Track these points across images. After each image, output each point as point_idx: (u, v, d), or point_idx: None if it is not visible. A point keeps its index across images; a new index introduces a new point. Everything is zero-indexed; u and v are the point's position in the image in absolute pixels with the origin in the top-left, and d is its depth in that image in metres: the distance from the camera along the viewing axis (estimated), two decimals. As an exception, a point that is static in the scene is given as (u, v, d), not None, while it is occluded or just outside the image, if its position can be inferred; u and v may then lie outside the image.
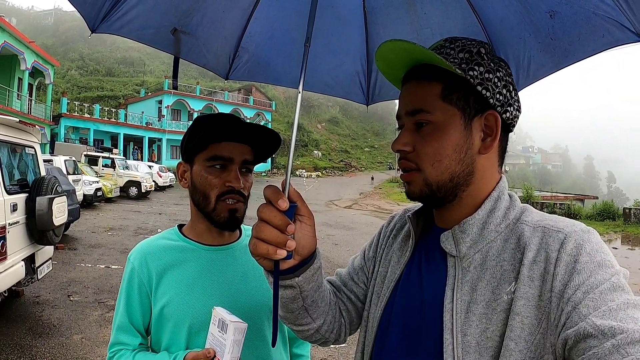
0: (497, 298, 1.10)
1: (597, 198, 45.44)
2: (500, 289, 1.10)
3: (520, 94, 1.35)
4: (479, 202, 1.24)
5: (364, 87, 2.52)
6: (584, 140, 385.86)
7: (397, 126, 1.33)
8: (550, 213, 1.23)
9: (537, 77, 1.86)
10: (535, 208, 1.27)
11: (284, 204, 1.11)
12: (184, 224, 2.04)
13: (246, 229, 2.06)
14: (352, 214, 30.89)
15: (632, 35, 1.49)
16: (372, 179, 50.48)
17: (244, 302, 1.82)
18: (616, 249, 19.00)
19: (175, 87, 2.12)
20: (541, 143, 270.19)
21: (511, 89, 1.25)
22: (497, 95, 1.22)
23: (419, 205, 1.45)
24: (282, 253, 1.11)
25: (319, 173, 74.23)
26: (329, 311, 1.44)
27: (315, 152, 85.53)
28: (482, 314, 1.10)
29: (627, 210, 27.47)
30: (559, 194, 48.65)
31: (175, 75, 2.35)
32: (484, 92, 1.20)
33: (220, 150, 1.80)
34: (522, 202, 1.27)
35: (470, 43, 1.25)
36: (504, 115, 1.23)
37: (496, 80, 1.22)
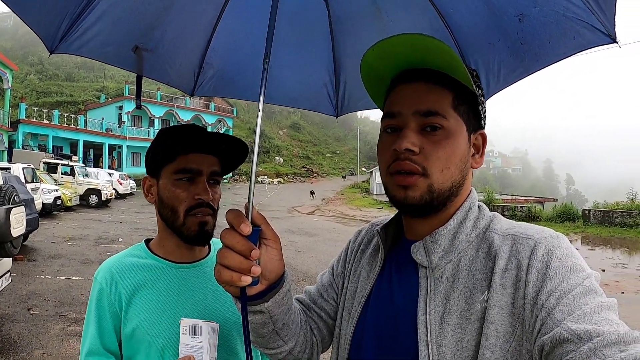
0: (471, 307, 1.10)
1: (556, 200, 46.56)
2: (474, 298, 1.10)
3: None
4: (450, 213, 1.24)
5: (332, 98, 2.49)
6: (543, 144, 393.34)
7: (388, 125, 1.26)
8: (511, 216, 1.27)
9: (507, 82, 1.86)
10: (497, 211, 1.31)
11: (246, 229, 1.09)
12: (151, 239, 1.97)
13: (215, 242, 2.00)
14: (314, 220, 31.07)
15: (604, 37, 1.50)
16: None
17: (216, 321, 1.77)
18: (577, 249, 19.36)
19: (138, 107, 2.09)
20: (501, 147, 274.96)
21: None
22: (485, 118, 1.28)
23: (386, 218, 1.45)
24: (247, 280, 1.08)
25: (281, 179, 74.55)
26: (300, 332, 1.42)
27: (277, 158, 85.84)
28: (457, 324, 1.10)
29: (586, 212, 28.51)
30: (519, 197, 49.68)
31: (138, 94, 2.30)
32: (482, 111, 1.26)
33: (189, 162, 1.76)
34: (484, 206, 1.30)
35: (468, 66, 1.26)
36: None
37: (485, 104, 1.28)
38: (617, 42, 1.48)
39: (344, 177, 68.17)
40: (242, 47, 2.34)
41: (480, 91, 1.27)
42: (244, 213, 1.14)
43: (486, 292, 1.09)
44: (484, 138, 1.28)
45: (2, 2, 1.57)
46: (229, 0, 2.12)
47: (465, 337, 1.08)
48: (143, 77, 2.22)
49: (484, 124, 1.29)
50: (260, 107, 1.32)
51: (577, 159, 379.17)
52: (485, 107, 1.29)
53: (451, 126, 1.19)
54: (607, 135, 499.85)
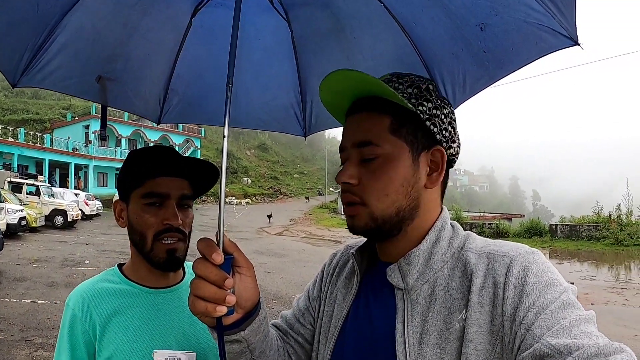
0: (449, 327, 1.10)
1: (523, 216, 47.45)
2: (452, 318, 1.10)
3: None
4: (422, 234, 1.24)
5: (300, 118, 2.49)
6: (509, 161, 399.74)
7: (340, 159, 1.30)
8: (479, 233, 1.27)
9: (473, 92, 1.88)
10: (465, 229, 1.29)
11: (218, 258, 1.07)
12: (124, 264, 1.91)
13: (189, 266, 1.94)
14: (283, 240, 31.01)
15: (566, 40, 1.51)
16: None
17: (193, 348, 1.72)
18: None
19: (103, 138, 2.06)
20: (468, 165, 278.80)
21: (455, 126, 1.30)
22: (443, 132, 1.25)
23: (361, 241, 1.44)
24: (222, 310, 1.06)
25: (249, 200, 74.16)
26: (278, 358, 1.40)
27: (245, 179, 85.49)
28: (436, 345, 1.10)
29: (553, 227, 29.17)
30: (486, 214, 50.40)
31: (103, 125, 2.28)
32: (432, 127, 1.23)
33: (156, 186, 1.72)
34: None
35: (418, 79, 1.27)
36: (448, 152, 1.26)
37: (443, 117, 1.25)
38: (579, 44, 1.50)
39: (307, 198, 68.01)
40: (207, 73, 2.33)
41: (429, 105, 1.23)
42: (215, 241, 1.13)
43: (464, 311, 1.09)
44: (442, 154, 1.25)
45: None
46: (190, 27, 2.12)
47: (444, 357, 1.08)
48: (108, 107, 2.21)
49: (443, 138, 1.25)
50: (226, 133, 1.29)
51: (543, 175, 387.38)
52: (438, 122, 1.24)
53: (386, 153, 1.20)
54: (572, 150, 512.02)
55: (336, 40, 2.04)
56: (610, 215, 28.08)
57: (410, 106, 1.19)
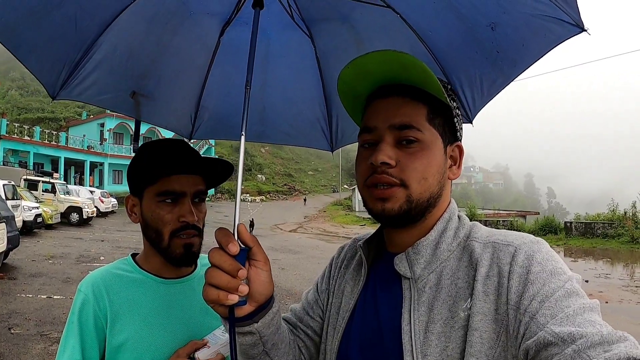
0: (455, 316, 1.11)
1: (538, 213, 46.94)
2: (457, 307, 1.12)
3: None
4: (431, 224, 1.26)
5: (326, 133, 2.51)
6: (523, 158, 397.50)
7: (365, 140, 1.28)
8: None
9: (491, 95, 1.90)
10: None
11: (233, 248, 1.10)
12: (137, 253, 1.92)
13: (202, 258, 1.94)
14: (297, 237, 31.17)
15: (572, 28, 1.52)
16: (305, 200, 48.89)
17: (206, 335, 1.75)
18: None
19: (135, 151, 2.12)
20: (483, 162, 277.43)
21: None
22: (461, 130, 1.31)
23: (368, 233, 1.46)
24: (234, 298, 1.09)
25: (263, 197, 74.17)
26: (290, 351, 1.41)
27: (259, 176, 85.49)
28: (441, 333, 1.11)
29: (568, 224, 28.87)
30: (501, 211, 49.97)
31: (136, 138, 2.32)
32: (457, 123, 1.28)
33: (171, 184, 1.71)
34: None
35: (440, 79, 1.27)
36: None
37: (460, 116, 1.31)
38: (586, 30, 1.51)
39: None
40: (234, 90, 2.36)
41: (455, 104, 1.29)
42: (235, 233, 1.15)
43: (469, 300, 1.10)
44: (460, 150, 1.30)
45: (6, 48, 1.64)
46: (219, 45, 2.16)
47: (450, 345, 1.09)
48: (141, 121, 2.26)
49: (460, 136, 1.31)
50: (243, 131, 1.34)
51: (558, 172, 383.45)
52: (460, 120, 1.31)
53: (426, 139, 1.21)
54: (586, 142, 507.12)
55: (357, 52, 2.00)
56: (625, 212, 27.78)
57: (450, 100, 1.24)
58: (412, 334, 1.13)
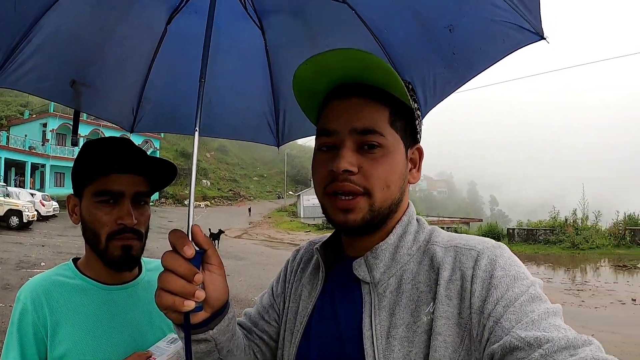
0: (417, 320, 1.10)
1: (481, 221, 48.37)
2: (419, 311, 1.10)
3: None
4: (390, 227, 1.24)
5: (272, 128, 2.49)
6: (467, 166, 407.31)
7: (323, 143, 1.22)
8: None
9: (444, 95, 1.90)
10: None
11: (189, 251, 1.04)
12: (79, 258, 1.83)
13: (147, 262, 1.91)
14: (242, 243, 31.21)
15: (532, 35, 1.54)
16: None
17: (150, 346, 1.66)
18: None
19: (75, 144, 2.02)
20: (427, 170, 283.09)
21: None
22: (420, 132, 1.29)
23: (324, 236, 1.44)
24: (190, 304, 1.03)
25: (208, 202, 73.70)
26: (245, 357, 1.37)
27: (204, 181, 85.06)
28: (404, 337, 1.09)
29: (510, 231, 29.93)
30: (445, 219, 51.25)
31: (75, 131, 2.21)
32: (418, 126, 1.26)
33: (109, 184, 1.64)
34: None
35: (403, 79, 1.23)
36: None
37: (420, 117, 1.28)
38: (545, 39, 1.52)
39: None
40: (180, 81, 2.30)
41: (416, 105, 1.27)
42: (189, 234, 1.10)
43: (431, 304, 1.09)
44: (420, 152, 1.30)
45: None
46: (165, 34, 2.09)
47: (413, 349, 1.08)
48: (80, 113, 2.18)
49: (420, 137, 1.30)
50: (197, 127, 1.30)
51: (500, 181, 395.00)
52: (421, 122, 1.30)
53: (389, 143, 1.18)
54: (528, 155, 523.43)
55: (309, 47, 2.02)
56: (566, 219, 28.93)
57: (412, 102, 1.21)
58: (374, 339, 1.12)
